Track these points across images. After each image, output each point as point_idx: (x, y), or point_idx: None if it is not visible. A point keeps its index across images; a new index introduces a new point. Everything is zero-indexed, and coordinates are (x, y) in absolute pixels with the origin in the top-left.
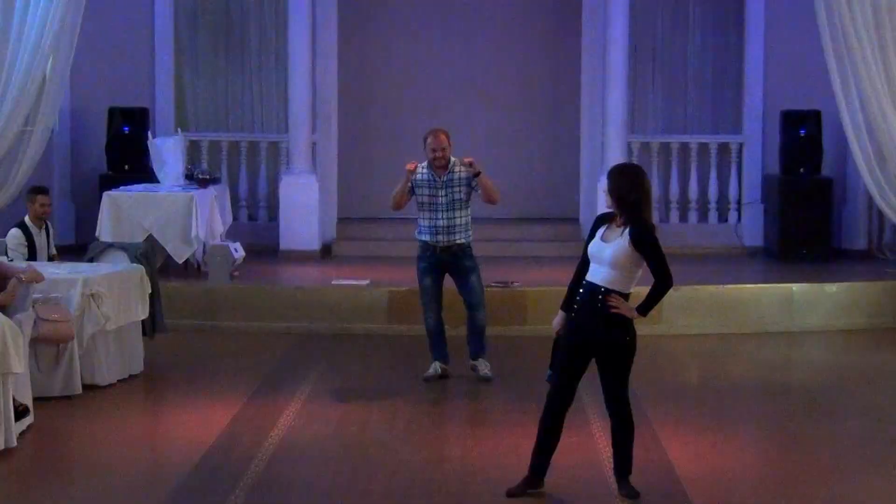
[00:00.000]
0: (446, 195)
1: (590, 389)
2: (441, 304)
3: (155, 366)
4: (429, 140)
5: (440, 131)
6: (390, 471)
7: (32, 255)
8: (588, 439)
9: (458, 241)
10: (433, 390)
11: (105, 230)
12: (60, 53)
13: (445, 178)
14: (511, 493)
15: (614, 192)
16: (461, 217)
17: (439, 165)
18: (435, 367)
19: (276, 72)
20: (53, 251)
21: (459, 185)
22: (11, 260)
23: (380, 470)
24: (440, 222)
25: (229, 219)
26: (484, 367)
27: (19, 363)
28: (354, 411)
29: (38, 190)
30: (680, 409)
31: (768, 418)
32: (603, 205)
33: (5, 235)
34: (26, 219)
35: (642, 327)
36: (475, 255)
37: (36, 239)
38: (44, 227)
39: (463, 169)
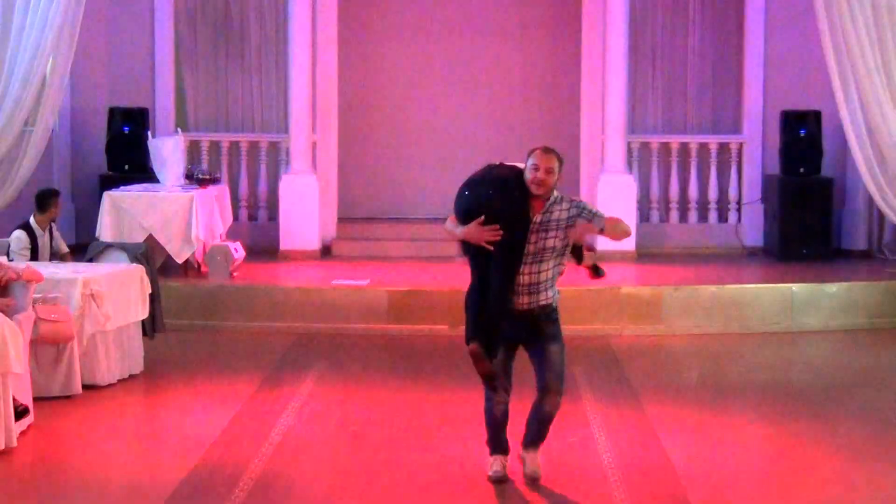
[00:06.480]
0: (536, 242)
1: (590, 389)
2: (511, 385)
3: (155, 366)
4: (533, 156)
5: (550, 150)
6: (390, 471)
7: (34, 258)
8: (588, 439)
9: (541, 303)
10: (433, 390)
11: (105, 230)
12: (60, 53)
13: (540, 220)
14: None
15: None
16: (549, 270)
17: (535, 193)
18: (502, 464)
19: (276, 72)
20: (65, 249)
21: (557, 230)
22: (11, 260)
23: (380, 470)
24: (521, 277)
25: (229, 219)
26: (534, 461)
27: (19, 363)
28: (354, 411)
29: (58, 192)
30: (680, 409)
31: (768, 418)
32: (603, 204)
33: (4, 235)
34: (31, 220)
35: (643, 326)
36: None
37: (39, 240)
38: (48, 228)
39: (564, 208)
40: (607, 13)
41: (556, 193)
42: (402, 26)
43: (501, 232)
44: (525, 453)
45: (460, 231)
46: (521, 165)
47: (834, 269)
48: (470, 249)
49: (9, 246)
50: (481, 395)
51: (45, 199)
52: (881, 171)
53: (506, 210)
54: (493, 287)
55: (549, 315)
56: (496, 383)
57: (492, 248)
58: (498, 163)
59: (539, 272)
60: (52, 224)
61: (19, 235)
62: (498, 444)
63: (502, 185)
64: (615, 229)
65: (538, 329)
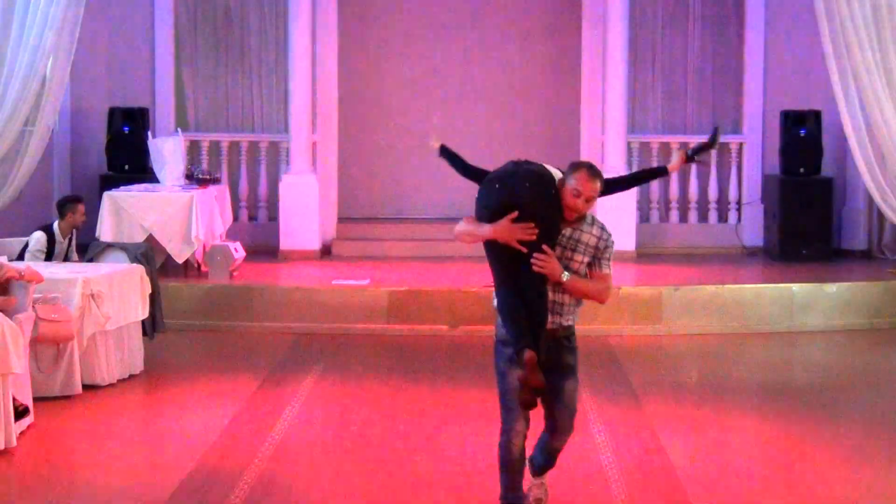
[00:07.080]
0: (562, 258)
1: (590, 389)
2: (529, 418)
3: (155, 366)
4: (576, 178)
5: (596, 173)
6: (390, 471)
7: (48, 261)
8: (588, 439)
9: (564, 324)
10: (433, 390)
11: (105, 230)
12: (60, 53)
13: (568, 235)
14: None
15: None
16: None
17: (569, 218)
18: None
19: (276, 72)
20: (75, 257)
21: (584, 253)
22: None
23: (380, 470)
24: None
25: (229, 219)
26: (539, 488)
27: (19, 363)
28: (354, 411)
29: (80, 199)
30: (680, 409)
31: (768, 418)
32: (603, 203)
33: (3, 236)
34: (55, 225)
35: (643, 326)
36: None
37: (57, 246)
38: (69, 236)
39: (595, 234)
40: (607, 13)
41: (588, 215)
42: (402, 26)
43: (537, 231)
44: (534, 482)
45: (487, 229)
46: (547, 167)
47: (834, 269)
48: (498, 253)
49: (25, 244)
50: (482, 393)
51: (62, 206)
52: (881, 171)
53: (542, 208)
54: (531, 296)
55: (569, 338)
56: (534, 403)
57: (525, 248)
58: (523, 160)
59: (564, 291)
60: (75, 231)
61: (38, 237)
62: (515, 495)
63: (538, 179)
64: (595, 288)
65: (559, 356)
